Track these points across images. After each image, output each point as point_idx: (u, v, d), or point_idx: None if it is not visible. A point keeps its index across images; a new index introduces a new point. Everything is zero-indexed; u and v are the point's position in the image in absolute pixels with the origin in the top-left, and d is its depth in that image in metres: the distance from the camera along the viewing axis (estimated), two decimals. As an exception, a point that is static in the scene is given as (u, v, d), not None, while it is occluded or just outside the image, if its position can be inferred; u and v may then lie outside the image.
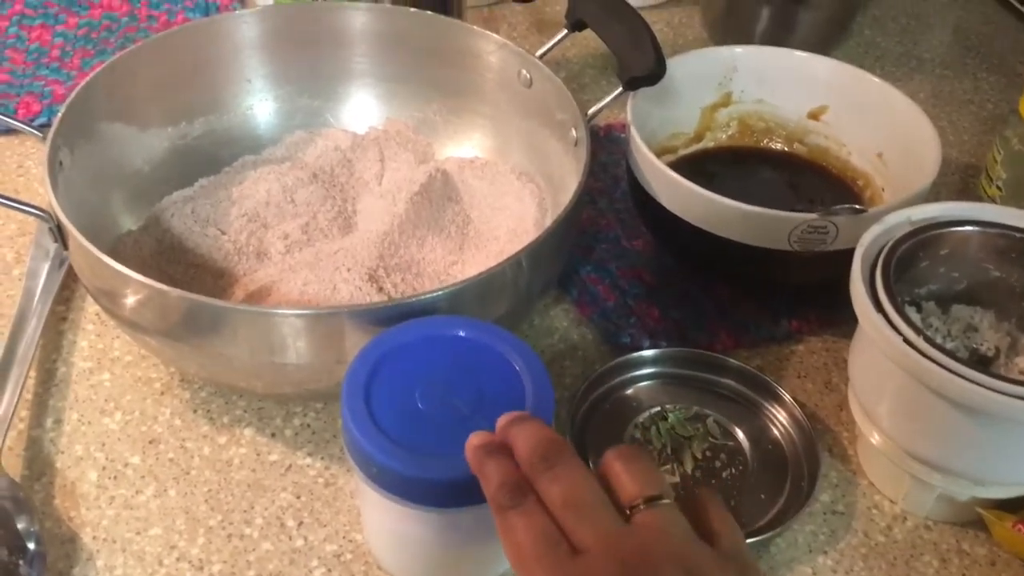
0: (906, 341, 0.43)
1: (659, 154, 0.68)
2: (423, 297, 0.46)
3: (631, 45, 0.58)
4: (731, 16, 0.84)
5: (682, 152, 0.69)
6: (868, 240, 0.48)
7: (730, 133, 0.70)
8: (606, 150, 0.73)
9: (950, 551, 0.49)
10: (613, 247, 0.65)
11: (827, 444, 0.54)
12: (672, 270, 0.63)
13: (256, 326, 0.46)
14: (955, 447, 0.45)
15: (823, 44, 0.85)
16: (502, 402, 0.42)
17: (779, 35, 0.82)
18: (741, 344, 0.59)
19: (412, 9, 0.66)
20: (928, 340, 0.42)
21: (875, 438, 0.49)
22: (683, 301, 0.61)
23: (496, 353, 0.44)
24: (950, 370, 0.41)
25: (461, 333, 0.44)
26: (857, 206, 0.52)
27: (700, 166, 0.69)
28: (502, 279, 0.49)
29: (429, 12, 0.65)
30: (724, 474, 0.50)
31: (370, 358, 0.43)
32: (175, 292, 0.46)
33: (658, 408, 0.54)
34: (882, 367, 0.46)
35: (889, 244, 0.47)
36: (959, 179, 0.73)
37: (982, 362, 0.48)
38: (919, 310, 0.51)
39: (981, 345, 0.49)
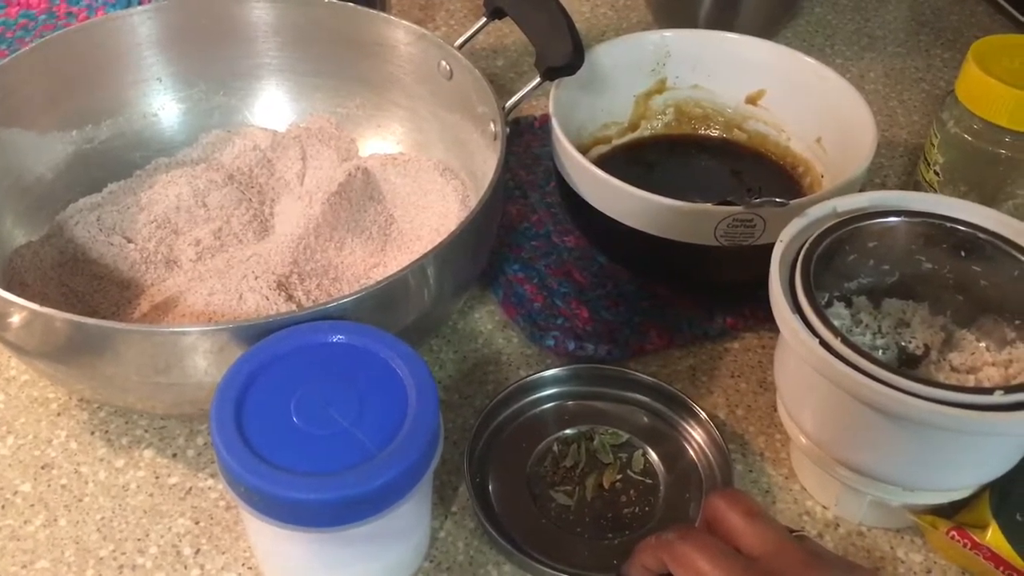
0: (823, 345, 0.40)
1: (592, 145, 0.66)
2: (313, 310, 0.43)
3: (548, 34, 0.55)
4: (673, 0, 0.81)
5: (617, 142, 0.66)
6: (789, 236, 0.45)
7: (667, 121, 0.67)
8: (540, 141, 0.70)
9: (884, 559, 0.46)
10: (543, 244, 0.62)
11: (759, 448, 0.51)
12: (605, 267, 0.60)
13: (136, 346, 0.43)
14: (881, 454, 0.42)
15: (771, 24, 0.83)
16: (383, 412, 0.40)
17: (724, 16, 0.79)
18: (673, 343, 0.56)
19: None
20: (847, 342, 0.40)
21: (802, 443, 0.46)
22: (616, 300, 0.58)
23: (378, 359, 0.41)
24: (868, 374, 0.39)
25: (339, 338, 0.42)
26: (778, 199, 0.49)
27: (637, 156, 0.66)
28: (404, 287, 0.47)
29: (342, 2, 0.62)
30: (626, 511, 0.47)
31: (242, 372, 0.40)
32: (47, 311, 0.43)
33: (587, 426, 0.51)
34: (804, 371, 0.43)
35: (810, 240, 0.44)
36: (908, 160, 0.71)
37: (911, 361, 0.46)
38: (849, 305, 0.48)
39: (910, 343, 0.46)
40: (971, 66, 0.52)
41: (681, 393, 0.51)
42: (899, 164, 0.70)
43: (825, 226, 0.45)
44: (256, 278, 0.54)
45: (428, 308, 0.50)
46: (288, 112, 0.67)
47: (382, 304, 0.46)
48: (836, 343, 0.40)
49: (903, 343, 0.46)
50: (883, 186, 0.68)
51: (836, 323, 0.47)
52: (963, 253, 0.45)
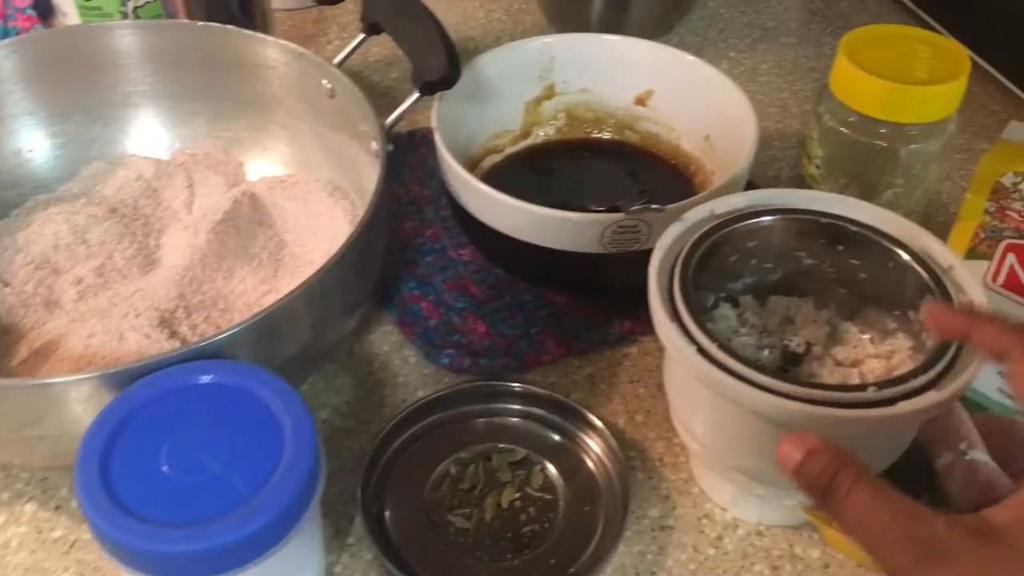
0: (700, 352, 0.40)
1: (485, 155, 0.65)
2: (186, 350, 0.42)
3: (423, 48, 0.54)
4: (564, 0, 0.81)
5: (509, 151, 0.66)
6: (666, 244, 0.45)
7: (558, 126, 0.67)
8: (435, 154, 0.69)
9: (783, 557, 0.47)
10: (439, 259, 0.61)
11: (658, 453, 0.51)
12: (503, 279, 0.60)
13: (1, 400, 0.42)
14: (768, 456, 0.42)
15: (664, 20, 0.83)
16: (258, 453, 0.38)
17: (616, 15, 0.79)
18: (572, 352, 0.56)
19: (186, 21, 0.61)
20: (724, 348, 0.40)
21: (695, 448, 0.46)
22: (514, 311, 0.58)
23: (253, 398, 0.40)
24: (744, 378, 0.39)
25: (211, 379, 0.41)
26: (654, 205, 0.49)
27: (531, 163, 0.66)
28: (285, 317, 0.45)
29: (211, 24, 0.60)
30: (526, 529, 0.47)
31: (108, 422, 0.39)
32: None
33: (484, 446, 0.50)
34: (688, 379, 0.43)
35: (686, 247, 0.44)
36: (801, 151, 0.71)
37: (794, 360, 0.46)
38: (736, 305, 0.48)
39: (791, 341, 0.46)
40: (841, 59, 0.52)
41: (576, 404, 0.51)
42: (792, 155, 0.71)
43: (701, 231, 0.45)
44: (137, 316, 0.52)
45: (314, 336, 0.49)
46: (171, 139, 0.65)
47: (262, 337, 0.45)
48: (713, 349, 0.40)
49: (786, 341, 0.46)
50: (777, 179, 0.69)
51: (722, 325, 0.47)
52: (840, 247, 0.45)
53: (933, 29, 0.77)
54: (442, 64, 0.53)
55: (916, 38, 0.53)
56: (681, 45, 0.81)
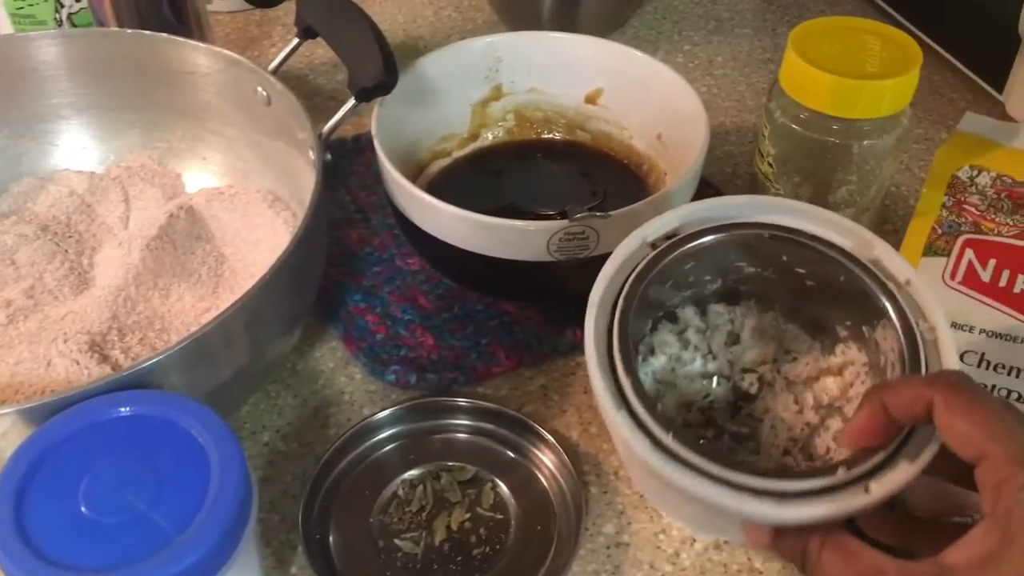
0: (655, 445, 0.36)
1: (432, 159, 0.63)
2: (109, 379, 0.40)
3: (359, 53, 0.52)
4: (512, -5, 0.79)
5: (457, 154, 0.64)
6: (599, 295, 0.41)
7: (508, 127, 0.65)
8: (381, 159, 0.67)
9: (741, 571, 0.45)
10: (386, 269, 0.59)
11: (613, 466, 0.49)
12: (452, 288, 0.58)
13: None
14: (726, 521, 0.40)
15: (617, 14, 0.81)
16: (183, 489, 0.36)
17: (567, 11, 0.77)
18: (523, 363, 0.54)
19: (115, 29, 0.59)
20: (677, 437, 0.36)
21: (646, 494, 0.44)
22: (464, 322, 0.56)
23: (178, 429, 0.38)
24: (708, 475, 0.36)
25: (132, 410, 0.39)
26: (599, 212, 0.47)
27: (481, 166, 0.64)
28: (219, 338, 0.43)
29: (140, 31, 0.58)
30: (476, 552, 0.45)
31: (23, 460, 0.37)
32: None
33: (433, 465, 0.48)
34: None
35: (620, 307, 0.40)
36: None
37: (745, 397, 0.44)
38: (674, 321, 0.46)
39: (743, 380, 0.44)
40: (791, 54, 0.50)
41: (528, 418, 0.49)
42: (748, 151, 0.69)
43: (637, 268, 0.41)
44: (66, 341, 0.50)
45: (251, 358, 0.46)
46: (104, 151, 0.62)
47: (192, 362, 0.43)
48: (668, 440, 0.36)
49: (736, 380, 0.45)
50: (733, 175, 0.67)
51: (665, 356, 0.45)
52: (784, 258, 0.43)
53: (889, 16, 0.76)
54: (378, 69, 0.51)
55: (866, 30, 0.52)
56: (636, 39, 0.80)
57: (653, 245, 0.43)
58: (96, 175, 0.62)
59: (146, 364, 0.41)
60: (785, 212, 0.43)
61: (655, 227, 0.43)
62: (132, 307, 0.54)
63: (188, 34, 0.66)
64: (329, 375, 0.54)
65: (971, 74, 0.70)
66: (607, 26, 0.81)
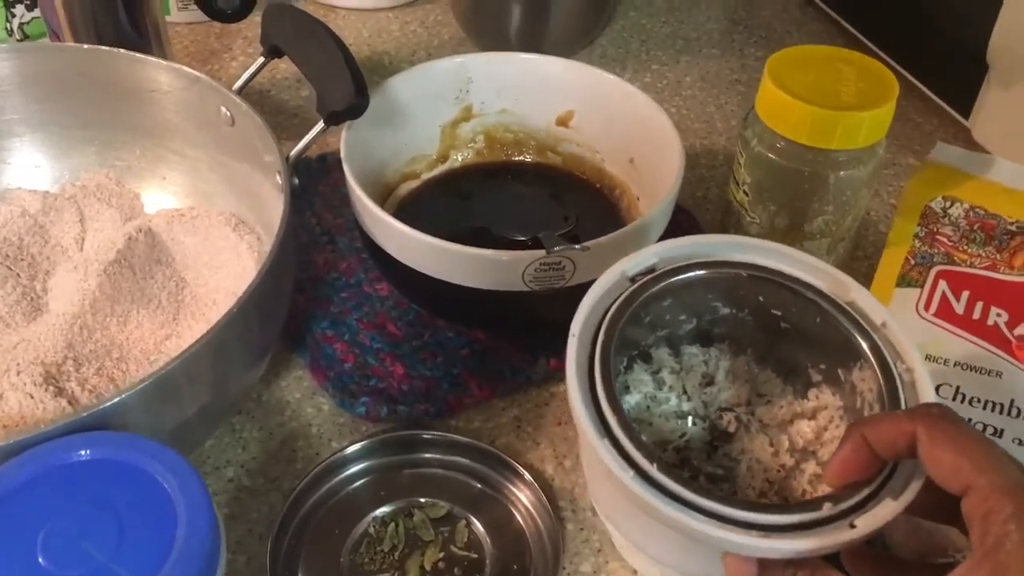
0: (639, 475, 0.36)
1: (401, 181, 0.62)
2: (65, 422, 0.38)
3: (327, 74, 0.51)
4: (479, 14, 0.77)
5: (427, 176, 0.62)
6: (579, 326, 0.40)
7: (478, 149, 0.64)
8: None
9: (721, 609, 0.44)
10: (354, 295, 0.57)
11: (589, 501, 0.48)
12: (422, 315, 0.56)
13: None
14: (705, 561, 0.39)
15: (584, 32, 0.80)
16: (147, 538, 0.35)
17: (535, 28, 0.77)
18: (496, 393, 0.53)
19: (70, 44, 0.57)
20: (662, 468, 0.36)
21: (616, 537, 0.43)
22: (434, 351, 0.55)
23: (141, 473, 0.37)
24: (696, 507, 0.35)
25: (88, 454, 0.37)
26: (577, 245, 0.46)
27: (450, 188, 0.63)
28: (183, 376, 0.42)
29: (98, 47, 0.56)
30: None
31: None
32: None
33: (404, 502, 0.47)
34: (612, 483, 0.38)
35: (602, 338, 0.40)
36: (728, 170, 0.69)
37: (722, 438, 0.44)
38: (648, 360, 0.46)
39: (721, 419, 0.44)
40: (767, 83, 0.50)
41: (501, 452, 0.48)
42: (720, 174, 0.69)
43: (616, 303, 0.41)
44: (19, 373, 0.48)
45: (215, 393, 0.45)
46: (59, 170, 0.60)
47: (154, 402, 0.41)
48: (651, 469, 0.36)
49: (714, 420, 0.44)
50: (705, 199, 0.67)
51: (640, 394, 0.44)
52: (761, 298, 0.43)
53: (856, 39, 0.76)
54: (348, 91, 0.49)
55: (840, 58, 0.52)
56: (603, 57, 0.80)
57: (632, 279, 0.42)
58: (50, 194, 0.59)
59: (107, 404, 0.39)
60: (763, 253, 0.43)
61: (635, 261, 0.42)
62: (88, 335, 0.51)
63: (146, 46, 0.64)
64: (296, 406, 0.52)
65: (937, 99, 0.71)
66: (575, 43, 0.80)
